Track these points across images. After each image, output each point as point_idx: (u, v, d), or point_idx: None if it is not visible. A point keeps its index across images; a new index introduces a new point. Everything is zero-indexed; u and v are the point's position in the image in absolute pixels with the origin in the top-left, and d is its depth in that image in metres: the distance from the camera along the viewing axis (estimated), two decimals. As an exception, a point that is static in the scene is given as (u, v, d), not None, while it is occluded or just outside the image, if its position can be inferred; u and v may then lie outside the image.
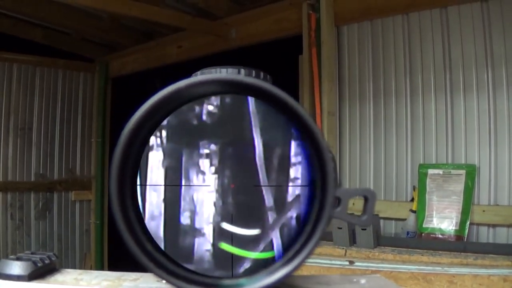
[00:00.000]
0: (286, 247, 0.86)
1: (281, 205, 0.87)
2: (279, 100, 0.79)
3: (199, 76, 0.79)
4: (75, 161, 6.47)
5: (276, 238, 0.87)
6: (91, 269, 6.26)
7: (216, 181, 0.87)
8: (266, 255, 0.86)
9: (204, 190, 0.88)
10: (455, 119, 3.72)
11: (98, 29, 5.75)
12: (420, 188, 3.72)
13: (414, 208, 3.73)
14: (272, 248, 0.87)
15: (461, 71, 3.69)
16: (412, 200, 3.81)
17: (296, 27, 4.48)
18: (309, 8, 4.30)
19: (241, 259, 0.86)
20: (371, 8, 4.14)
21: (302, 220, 0.87)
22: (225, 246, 0.87)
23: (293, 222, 0.87)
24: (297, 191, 0.87)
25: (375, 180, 4.14)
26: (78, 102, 6.50)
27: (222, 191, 0.87)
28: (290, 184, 0.87)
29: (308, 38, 4.30)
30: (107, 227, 6.50)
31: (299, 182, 0.87)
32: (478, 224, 3.56)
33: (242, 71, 0.90)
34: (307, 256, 0.81)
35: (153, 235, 0.85)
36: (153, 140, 0.86)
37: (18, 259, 0.99)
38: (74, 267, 6.08)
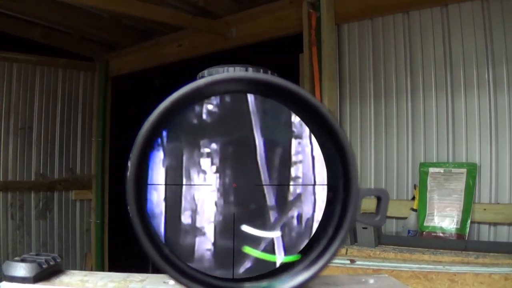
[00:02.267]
0: (296, 248, 0.86)
1: (284, 204, 0.87)
2: (302, 100, 0.79)
3: (221, 74, 0.78)
4: (75, 161, 6.46)
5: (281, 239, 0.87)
6: (91, 268, 6.27)
7: (217, 180, 0.87)
8: (291, 258, 0.86)
9: (205, 189, 0.87)
10: (456, 117, 3.71)
11: (98, 28, 5.74)
12: (421, 187, 3.72)
13: (415, 207, 3.73)
14: (296, 252, 0.86)
15: (462, 69, 3.69)
16: (413, 198, 3.80)
17: (296, 26, 4.47)
18: (310, 7, 4.29)
19: (242, 258, 0.86)
20: (372, 7, 4.14)
21: (311, 220, 0.86)
22: (249, 250, 0.86)
23: (299, 221, 0.87)
24: (299, 190, 0.87)
25: (376, 178, 4.13)
26: (78, 101, 6.49)
27: (223, 190, 0.87)
28: (292, 183, 0.87)
29: (309, 37, 4.29)
30: (107, 227, 6.50)
31: (300, 181, 0.87)
32: (479, 223, 3.56)
33: (250, 69, 0.89)
34: (330, 259, 0.81)
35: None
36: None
37: (22, 260, 0.99)
38: (74, 267, 6.10)
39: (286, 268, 0.85)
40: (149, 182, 0.86)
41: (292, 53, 4.69)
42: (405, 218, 3.80)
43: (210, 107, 0.85)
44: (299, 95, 0.78)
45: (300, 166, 0.88)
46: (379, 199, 0.85)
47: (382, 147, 4.09)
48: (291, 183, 0.88)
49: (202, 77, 0.89)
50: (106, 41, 6.44)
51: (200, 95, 0.81)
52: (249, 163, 0.87)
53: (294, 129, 0.87)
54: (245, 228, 0.88)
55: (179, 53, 5.74)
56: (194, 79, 0.86)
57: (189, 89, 0.76)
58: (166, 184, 0.87)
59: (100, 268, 6.29)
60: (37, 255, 1.03)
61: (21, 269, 0.96)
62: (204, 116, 0.86)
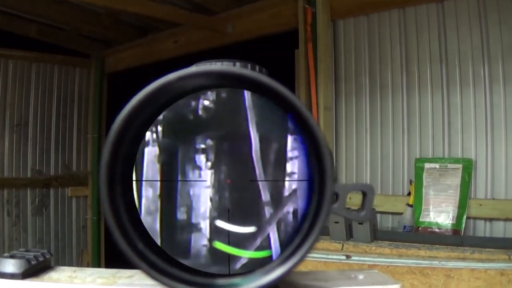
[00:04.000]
0: (283, 244, 0.85)
1: (277, 200, 0.87)
2: (274, 92, 0.77)
3: (190, 68, 0.77)
4: (71, 157, 6.46)
5: (273, 235, 0.86)
6: (88, 265, 6.27)
7: (212, 176, 0.87)
8: (262, 254, 0.85)
9: (200, 185, 0.87)
10: (452, 113, 3.72)
11: (94, 24, 5.73)
12: (417, 182, 3.72)
13: (410, 202, 3.73)
14: (269, 246, 0.86)
15: (458, 65, 3.69)
16: (409, 194, 3.81)
17: (292, 22, 4.47)
18: (305, 3, 4.29)
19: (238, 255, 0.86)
20: (367, 3, 4.14)
21: (300, 217, 0.86)
22: (219, 245, 0.86)
23: (290, 218, 0.87)
24: (294, 186, 0.87)
25: (371, 174, 4.14)
26: (74, 97, 6.49)
27: (218, 186, 0.87)
28: (287, 178, 0.87)
29: (304, 33, 4.29)
30: (104, 223, 6.49)
31: (296, 176, 0.87)
32: (475, 218, 3.57)
33: (237, 64, 0.88)
34: (305, 254, 0.80)
35: (149, 231, 0.85)
36: (148, 135, 0.85)
37: (11, 257, 0.98)
38: (71, 264, 6.10)
39: (260, 264, 0.84)
40: (143, 178, 0.86)
41: (288, 49, 4.69)
42: (400, 213, 3.80)
43: (205, 102, 0.85)
44: (269, 87, 0.77)
45: (295, 161, 0.87)
46: (364, 194, 0.84)
47: (377, 143, 4.09)
48: (286, 178, 0.88)
49: None
50: (102, 38, 6.43)
51: (173, 90, 0.80)
52: (244, 159, 0.87)
53: (289, 124, 0.86)
54: (220, 223, 0.87)
55: (175, 49, 5.73)
56: None
57: (159, 84, 0.75)
58: (161, 180, 0.87)
59: (97, 264, 6.29)
60: (26, 251, 1.02)
61: (9, 265, 0.95)
62: (199, 112, 0.85)
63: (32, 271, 0.98)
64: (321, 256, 3.34)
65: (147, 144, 0.86)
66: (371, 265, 3.17)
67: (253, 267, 0.85)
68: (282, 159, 0.88)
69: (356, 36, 4.26)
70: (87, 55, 6.62)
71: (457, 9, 3.70)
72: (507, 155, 3.48)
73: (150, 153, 0.86)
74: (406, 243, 3.36)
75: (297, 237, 0.83)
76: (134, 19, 5.78)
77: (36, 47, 5.96)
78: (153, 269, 0.79)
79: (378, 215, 3.95)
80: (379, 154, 4.09)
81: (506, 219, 3.45)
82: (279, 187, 0.88)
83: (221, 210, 0.88)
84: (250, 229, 0.87)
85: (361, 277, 1.00)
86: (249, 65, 0.89)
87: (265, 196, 0.87)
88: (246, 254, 0.86)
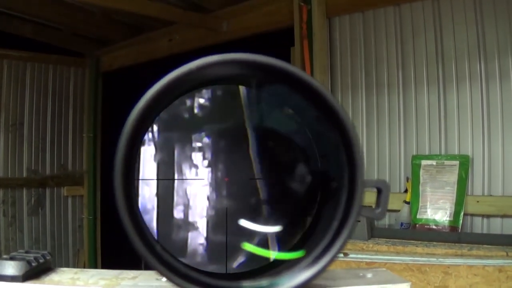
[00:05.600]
0: (303, 244, 0.84)
1: (277, 198, 0.86)
2: (302, 82, 0.76)
3: (213, 56, 0.76)
4: (67, 157, 6.45)
5: (292, 235, 0.85)
6: (84, 265, 6.26)
7: (210, 174, 0.86)
8: (295, 255, 0.84)
9: (197, 184, 0.86)
10: (448, 110, 3.72)
11: (89, 24, 5.72)
12: (414, 179, 3.72)
13: (407, 199, 3.73)
14: (302, 247, 0.84)
15: (454, 62, 3.69)
16: (406, 191, 3.81)
17: (287, 19, 4.46)
18: (301, 0, 4.28)
19: (235, 253, 0.85)
20: (363, 0, 4.13)
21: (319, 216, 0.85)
22: (248, 247, 0.85)
23: (293, 215, 0.86)
24: (292, 183, 0.86)
25: (368, 171, 4.13)
26: (69, 97, 6.48)
27: (215, 184, 0.86)
28: (285, 176, 0.86)
29: (300, 30, 4.29)
30: (100, 223, 6.49)
31: (293, 174, 0.86)
32: (472, 215, 3.57)
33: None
34: (335, 255, 0.78)
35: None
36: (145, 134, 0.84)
37: (11, 258, 0.97)
38: (67, 264, 6.10)
39: (288, 265, 0.83)
40: (140, 177, 0.85)
41: (283, 47, 4.68)
42: (397, 211, 3.80)
43: (201, 101, 0.84)
44: (297, 76, 0.75)
45: (292, 159, 0.87)
46: (379, 190, 0.83)
47: (374, 140, 4.09)
48: (284, 176, 0.87)
49: None
50: (96, 37, 6.42)
51: (193, 80, 0.78)
52: (242, 157, 0.86)
53: (285, 122, 0.86)
54: (244, 223, 0.86)
55: (170, 47, 5.73)
56: None
57: (181, 72, 0.73)
58: (158, 179, 0.86)
59: (93, 264, 6.29)
60: (26, 252, 1.01)
61: (10, 268, 0.95)
62: (196, 110, 0.85)
63: (32, 273, 0.97)
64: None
65: (143, 143, 0.85)
66: (368, 262, 3.17)
67: (251, 266, 0.84)
68: (279, 156, 0.87)
69: (352, 34, 4.25)
70: (82, 55, 6.61)
71: (453, 5, 3.70)
72: (504, 152, 3.49)
73: (147, 152, 0.86)
74: (403, 240, 3.35)
75: (325, 237, 0.81)
76: (128, 18, 5.77)
77: (31, 47, 5.95)
78: (175, 274, 0.77)
79: (375, 213, 3.95)
80: (376, 151, 4.08)
81: (503, 216, 3.45)
82: (278, 184, 0.87)
83: (221, 207, 0.86)
84: (276, 228, 0.86)
85: (369, 275, 0.99)
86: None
87: (264, 193, 0.87)
88: (278, 256, 0.85)
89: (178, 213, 0.86)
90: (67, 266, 6.29)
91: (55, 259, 6.03)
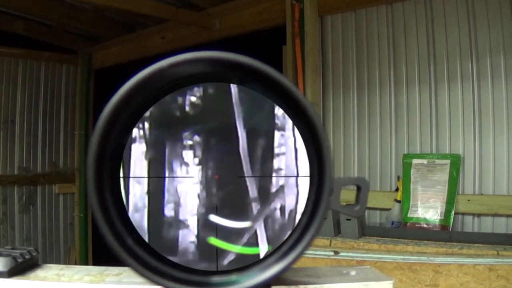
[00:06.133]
0: (275, 240, 0.84)
1: (266, 195, 0.86)
2: (269, 78, 0.76)
3: (183, 55, 0.75)
4: (58, 154, 6.44)
5: (262, 230, 0.85)
6: (75, 262, 6.25)
7: (200, 172, 0.86)
8: (253, 250, 0.84)
9: (188, 182, 0.86)
10: (440, 109, 3.72)
11: (81, 21, 5.71)
12: (405, 178, 3.72)
13: (398, 198, 3.74)
14: (260, 242, 0.85)
15: (446, 61, 3.70)
16: (397, 190, 3.81)
17: (279, 18, 4.46)
18: (293, -2, 4.29)
19: (225, 251, 0.85)
20: (355, -2, 4.15)
21: (294, 212, 0.85)
22: (214, 241, 0.85)
23: (281, 213, 0.86)
24: (282, 181, 0.86)
25: (359, 170, 4.14)
26: (61, 94, 6.47)
27: (206, 182, 0.86)
28: (275, 174, 0.86)
29: (292, 29, 4.29)
30: (91, 220, 6.47)
31: (283, 172, 0.86)
32: (463, 214, 3.58)
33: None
34: (303, 251, 0.78)
35: (137, 228, 0.84)
36: (136, 132, 0.84)
37: (-2, 255, 0.97)
38: (58, 261, 6.09)
39: (258, 260, 0.83)
40: (126, 174, 0.85)
41: (275, 45, 4.68)
42: (388, 209, 3.81)
43: (192, 98, 0.84)
44: (267, 74, 0.75)
45: (283, 157, 0.87)
46: (358, 188, 0.83)
47: (365, 138, 4.09)
48: (274, 174, 0.87)
49: None
50: (89, 34, 6.41)
51: (165, 78, 0.78)
52: (232, 155, 0.86)
53: (277, 121, 0.86)
54: (214, 218, 0.86)
55: (162, 45, 5.73)
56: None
57: (150, 70, 0.73)
58: (148, 177, 0.86)
59: (84, 261, 6.28)
60: (13, 249, 1.01)
61: (-5, 264, 0.94)
62: (187, 108, 0.85)
63: (18, 269, 0.97)
64: (309, 252, 3.33)
65: (134, 140, 0.85)
66: (359, 261, 3.17)
67: (242, 263, 0.84)
68: (269, 154, 0.87)
69: (344, 32, 4.26)
70: (74, 52, 6.59)
71: (445, 5, 3.71)
72: (495, 151, 3.49)
73: (138, 150, 0.85)
74: (394, 239, 3.36)
75: (294, 233, 0.81)
76: (121, 15, 5.77)
77: (23, 44, 5.94)
78: (144, 267, 0.77)
79: (366, 211, 3.96)
80: (367, 150, 4.09)
81: (494, 215, 3.46)
82: (268, 182, 0.87)
83: (211, 205, 0.86)
84: (245, 224, 0.86)
85: (353, 273, 0.99)
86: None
87: (253, 192, 0.86)
88: (244, 251, 0.85)
89: (168, 211, 0.86)
90: (58, 263, 6.28)
91: (45, 255, 6.05)
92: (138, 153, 0.85)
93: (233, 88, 0.84)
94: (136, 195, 0.85)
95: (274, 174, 0.86)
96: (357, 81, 4.16)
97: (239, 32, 4.99)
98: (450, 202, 3.51)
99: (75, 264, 6.29)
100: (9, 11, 5.47)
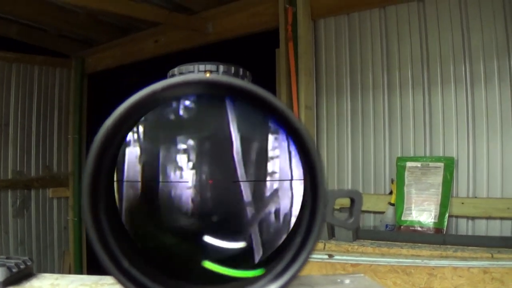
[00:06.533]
0: (270, 244, 0.83)
1: (261, 200, 0.86)
2: (264, 102, 0.75)
3: (176, 78, 0.75)
4: (52, 158, 6.43)
5: (257, 243, 0.85)
6: (70, 266, 6.24)
7: (194, 177, 0.86)
8: (254, 273, 0.83)
9: (182, 186, 0.86)
10: (433, 112, 3.73)
11: (74, 25, 5.70)
12: (398, 181, 3.73)
13: (392, 201, 3.74)
14: (262, 265, 0.83)
15: (439, 64, 3.71)
16: (391, 193, 3.82)
17: (273, 21, 4.46)
18: (286, 2, 4.28)
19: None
20: (348, 2, 4.15)
21: (289, 215, 0.85)
22: (209, 265, 0.84)
23: (276, 217, 0.85)
24: (276, 185, 0.86)
25: (353, 173, 4.14)
26: (55, 98, 6.46)
27: (200, 186, 0.86)
28: (269, 179, 0.86)
29: (285, 32, 4.29)
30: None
31: (277, 176, 0.86)
32: (457, 217, 3.58)
33: (221, 67, 0.87)
34: (298, 270, 0.77)
35: (130, 233, 0.83)
36: (130, 135, 0.84)
37: (-8, 265, 0.97)
38: (52, 265, 6.08)
39: (251, 280, 0.82)
40: (125, 178, 0.84)
41: (268, 49, 4.68)
42: (382, 212, 3.81)
43: (187, 103, 0.84)
44: (259, 97, 0.74)
45: (277, 161, 0.87)
46: (352, 200, 0.83)
47: (359, 141, 4.10)
48: (268, 178, 0.87)
49: (173, 75, 0.87)
50: (82, 38, 6.40)
51: (159, 100, 0.78)
52: (226, 159, 0.86)
53: (270, 125, 0.86)
54: (208, 239, 0.86)
55: (155, 49, 5.72)
56: (165, 76, 0.85)
57: (144, 94, 0.73)
58: (142, 181, 0.86)
59: (79, 266, 6.27)
60: (7, 258, 1.01)
61: (-10, 274, 0.94)
62: (181, 112, 0.84)
63: (13, 279, 0.97)
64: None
65: (128, 144, 0.84)
66: (354, 264, 3.17)
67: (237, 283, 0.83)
68: (263, 159, 0.87)
69: (337, 36, 4.26)
70: (67, 56, 6.58)
71: (438, 8, 3.72)
72: (488, 154, 3.50)
73: (131, 154, 0.85)
74: (388, 242, 3.36)
75: (289, 251, 0.80)
76: (114, 19, 5.75)
77: (16, 48, 5.93)
78: (124, 276, 0.76)
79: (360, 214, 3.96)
80: (361, 153, 4.09)
81: (488, 217, 3.46)
82: (262, 186, 0.87)
83: (207, 223, 0.86)
84: (240, 244, 0.85)
85: (347, 281, 0.99)
86: (232, 68, 0.88)
87: (247, 196, 0.86)
88: (239, 274, 0.84)
89: (162, 216, 0.86)
90: (53, 268, 6.28)
91: (39, 259, 6.03)
92: (132, 157, 0.85)
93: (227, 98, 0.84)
94: (130, 199, 0.84)
95: (268, 178, 0.86)
96: (351, 85, 4.16)
97: (232, 35, 4.99)
98: (444, 205, 3.52)
99: (70, 268, 6.29)
100: (2, 15, 5.45)
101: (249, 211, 0.86)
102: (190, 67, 0.87)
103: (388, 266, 3.09)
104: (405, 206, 3.65)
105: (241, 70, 0.90)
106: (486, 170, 3.51)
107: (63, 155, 6.54)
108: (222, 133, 0.85)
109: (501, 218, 3.43)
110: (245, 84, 0.74)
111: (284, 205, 0.87)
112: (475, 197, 3.53)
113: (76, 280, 1.00)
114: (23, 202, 6.05)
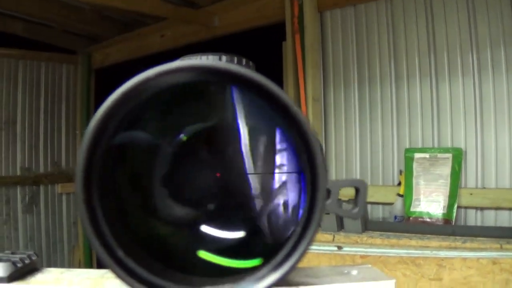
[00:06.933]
0: (272, 248, 0.82)
1: (269, 192, 0.85)
2: (261, 87, 0.74)
3: (169, 64, 0.74)
4: (60, 154, 6.44)
5: (261, 238, 0.84)
6: (80, 261, 6.26)
7: (200, 171, 0.85)
8: (254, 262, 0.82)
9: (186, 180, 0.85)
10: (441, 102, 3.72)
11: (80, 20, 5.71)
12: (407, 172, 3.72)
13: (401, 192, 3.73)
14: (258, 252, 0.82)
15: (446, 54, 3.69)
16: (399, 184, 3.81)
17: (279, 14, 4.46)
18: (292, -5, 4.28)
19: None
20: (354, -7, 4.14)
21: (291, 215, 0.84)
22: (204, 255, 0.83)
23: (279, 219, 0.85)
24: (284, 177, 0.85)
25: (361, 165, 4.14)
26: (62, 94, 6.46)
27: (206, 180, 0.85)
28: (277, 171, 0.85)
29: (291, 25, 4.29)
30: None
31: (285, 168, 0.85)
32: (466, 207, 3.57)
33: (224, 57, 0.86)
34: (299, 260, 0.76)
35: (126, 223, 0.81)
36: (130, 131, 0.82)
37: (-3, 260, 0.97)
38: (62, 260, 6.09)
39: (249, 270, 0.81)
40: (121, 174, 0.83)
41: (275, 42, 4.68)
42: (391, 203, 3.80)
43: (192, 94, 0.83)
44: (256, 82, 0.73)
45: (284, 153, 0.86)
46: (357, 190, 0.82)
47: (367, 133, 4.09)
48: (276, 170, 0.86)
49: None
50: (88, 34, 6.40)
51: (153, 87, 0.76)
52: (233, 152, 0.85)
53: (278, 119, 0.84)
54: (205, 228, 0.85)
55: (162, 43, 5.73)
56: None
57: (136, 81, 0.71)
58: (145, 175, 0.85)
59: (88, 260, 6.29)
60: (12, 253, 1.01)
61: (-5, 269, 0.94)
62: (186, 103, 0.83)
63: (18, 274, 0.97)
64: (313, 248, 3.31)
65: (129, 139, 0.83)
66: (363, 255, 3.17)
67: (235, 273, 0.81)
68: (271, 151, 0.86)
69: (344, 27, 4.25)
70: (73, 52, 6.60)
71: (444, -3, 3.71)
72: (497, 144, 3.49)
73: (133, 148, 0.84)
74: (397, 233, 3.35)
75: (289, 240, 0.79)
76: (119, 14, 5.76)
77: (22, 45, 5.94)
78: (129, 275, 0.75)
79: (369, 206, 3.96)
80: (369, 145, 4.09)
81: (497, 208, 3.45)
82: (267, 183, 0.86)
83: (206, 212, 0.85)
84: (239, 234, 0.85)
85: (354, 272, 0.98)
86: (235, 59, 0.87)
87: (255, 189, 0.86)
88: (235, 264, 0.83)
89: (157, 204, 0.85)
90: (63, 263, 6.30)
91: (49, 255, 6.04)
92: (135, 151, 0.84)
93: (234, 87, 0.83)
94: (133, 192, 0.83)
95: (276, 170, 0.85)
96: (358, 76, 4.15)
97: (238, 29, 4.99)
98: (453, 196, 3.51)
99: (79, 263, 6.31)
100: (7, 12, 5.46)
101: (258, 203, 0.85)
102: (192, 57, 0.86)
103: (397, 258, 3.09)
104: (413, 197, 3.64)
105: (244, 60, 0.89)
106: (495, 160, 3.50)
107: (71, 150, 6.55)
108: (229, 124, 0.84)
109: (510, 209, 3.42)
110: (238, 68, 0.73)
111: (292, 197, 0.86)
112: (484, 188, 3.52)
113: (82, 273, 1.00)
114: (32, 198, 6.07)
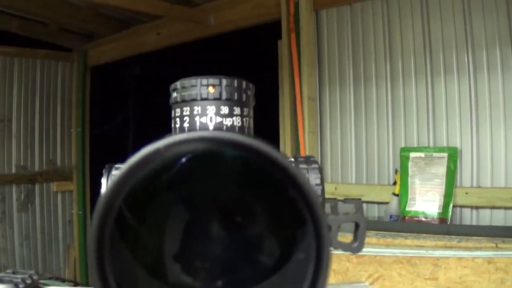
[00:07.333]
0: None
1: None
2: (266, 157, 0.72)
3: (182, 134, 0.70)
4: (55, 152, 6.43)
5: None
6: (75, 260, 6.26)
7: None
8: None
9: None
10: (436, 102, 3.72)
11: (76, 18, 5.70)
12: (402, 172, 3.72)
13: (396, 192, 3.74)
14: None
15: (441, 54, 3.70)
16: (395, 183, 3.82)
17: (274, 13, 4.46)
18: (288, -7, 4.28)
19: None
20: (350, -8, 4.14)
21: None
22: None
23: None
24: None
25: (356, 164, 4.14)
26: (57, 92, 6.45)
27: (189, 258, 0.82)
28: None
29: (287, 24, 4.28)
30: (90, 218, 6.47)
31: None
32: (461, 207, 3.58)
33: (224, 81, 0.84)
34: None
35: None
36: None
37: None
38: (58, 259, 6.10)
39: None
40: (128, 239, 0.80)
41: (271, 40, 4.68)
42: (386, 203, 3.81)
43: (190, 166, 0.77)
44: (263, 154, 0.70)
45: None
46: (356, 225, 0.82)
47: (362, 132, 4.09)
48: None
49: (175, 89, 0.85)
50: (84, 31, 6.40)
51: (162, 158, 0.72)
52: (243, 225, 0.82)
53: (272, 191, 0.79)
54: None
55: (158, 41, 5.72)
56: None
57: (146, 153, 0.69)
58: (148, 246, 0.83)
59: (84, 259, 6.27)
60: (13, 273, 1.00)
61: (-3, 290, 0.94)
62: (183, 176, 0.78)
63: (20, 293, 0.97)
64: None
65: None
66: (358, 255, 3.18)
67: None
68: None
69: (339, 26, 4.25)
70: (69, 49, 6.58)
71: (440, -3, 3.71)
72: (492, 143, 3.49)
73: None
74: (392, 233, 3.36)
75: None
76: (115, 12, 5.75)
77: (18, 42, 5.93)
78: None
79: (364, 205, 3.96)
80: (364, 144, 4.09)
81: (492, 207, 3.46)
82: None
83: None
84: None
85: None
86: (235, 82, 0.86)
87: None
88: None
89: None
90: (58, 262, 6.30)
91: (44, 253, 6.04)
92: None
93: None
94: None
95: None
96: (353, 75, 4.16)
97: (234, 27, 4.99)
98: (448, 195, 3.52)
99: (75, 262, 6.31)
100: (2, 9, 5.45)
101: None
102: (192, 81, 0.84)
103: (392, 257, 3.10)
104: (409, 196, 3.65)
105: (244, 83, 0.87)
106: (490, 159, 3.50)
107: (66, 148, 6.54)
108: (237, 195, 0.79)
109: (506, 208, 3.43)
110: (255, 142, 0.69)
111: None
112: (479, 187, 3.53)
113: (81, 291, 1.00)
114: (27, 197, 6.06)
